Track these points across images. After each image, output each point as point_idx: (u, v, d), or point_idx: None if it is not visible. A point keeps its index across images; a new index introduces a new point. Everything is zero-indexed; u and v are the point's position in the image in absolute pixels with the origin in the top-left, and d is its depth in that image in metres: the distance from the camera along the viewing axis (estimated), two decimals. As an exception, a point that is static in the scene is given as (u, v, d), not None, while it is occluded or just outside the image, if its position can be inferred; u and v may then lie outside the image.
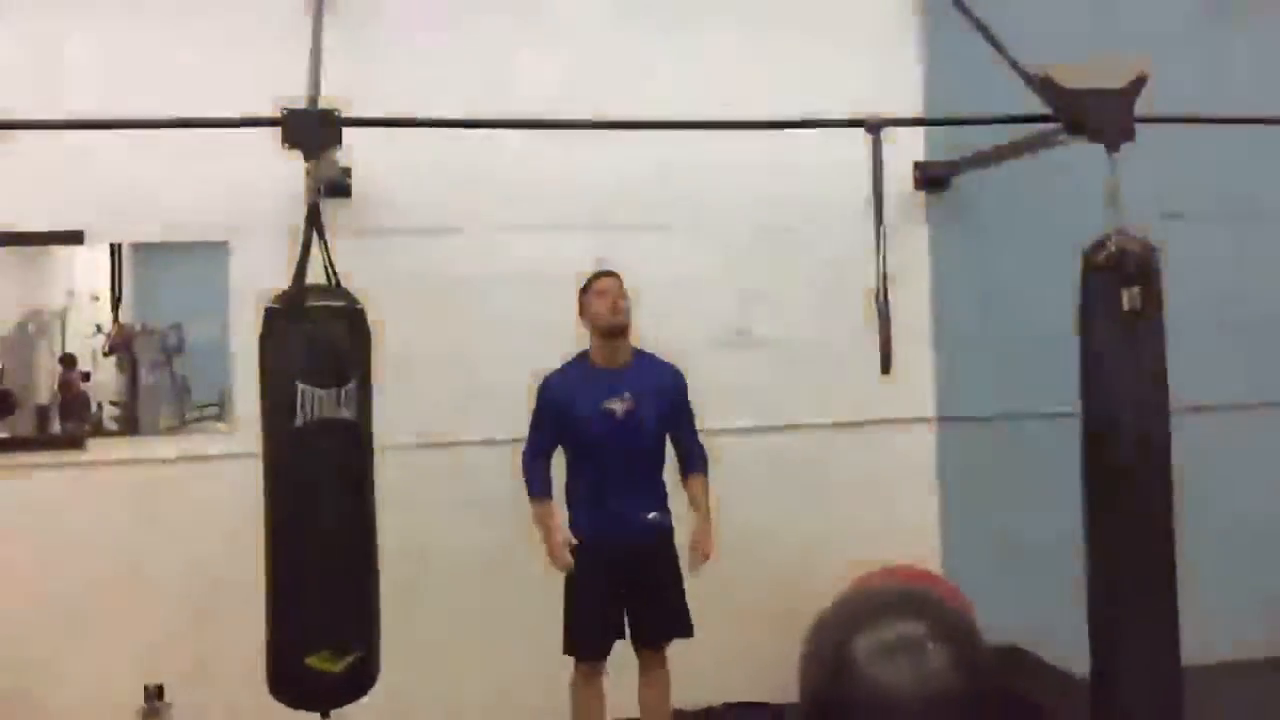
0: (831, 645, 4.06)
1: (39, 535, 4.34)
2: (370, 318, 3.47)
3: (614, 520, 3.75)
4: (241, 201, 4.38)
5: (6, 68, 4.29)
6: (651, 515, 3.80)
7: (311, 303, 3.32)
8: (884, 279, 3.81)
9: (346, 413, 3.29)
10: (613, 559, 3.74)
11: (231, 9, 4.46)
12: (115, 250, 4.53)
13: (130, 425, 4.64)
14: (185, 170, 4.34)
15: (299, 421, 3.24)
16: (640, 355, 3.88)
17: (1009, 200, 4.92)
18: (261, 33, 4.39)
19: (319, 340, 3.29)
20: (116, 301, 4.60)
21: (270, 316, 3.34)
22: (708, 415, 4.29)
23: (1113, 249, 3.82)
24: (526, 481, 3.80)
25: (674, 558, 3.85)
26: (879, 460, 4.89)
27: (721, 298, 4.74)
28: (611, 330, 3.79)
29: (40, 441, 4.51)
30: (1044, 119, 4.05)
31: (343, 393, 3.28)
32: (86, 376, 4.83)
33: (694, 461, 3.93)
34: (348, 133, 3.60)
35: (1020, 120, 4.12)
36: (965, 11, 4.43)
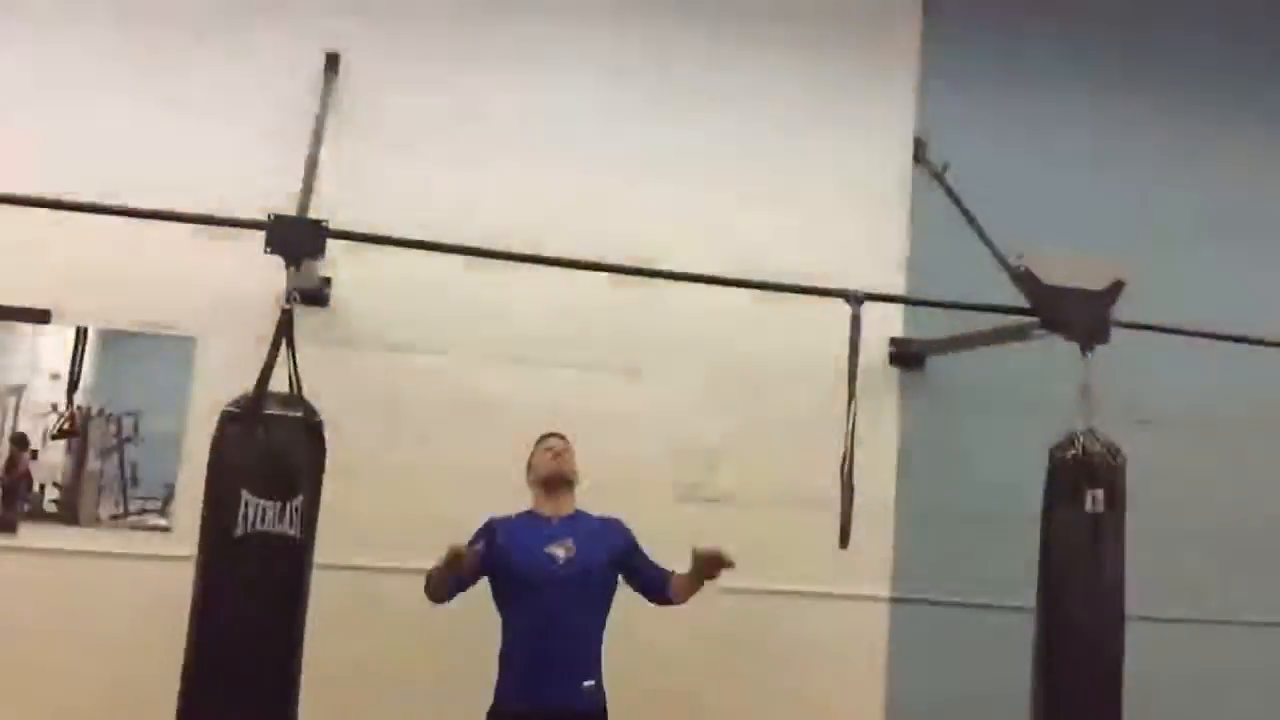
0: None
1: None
2: (330, 429, 3.41)
3: (547, 685, 3.51)
4: (216, 298, 4.36)
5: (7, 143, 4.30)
6: (588, 684, 3.56)
7: (270, 410, 3.26)
8: (851, 453, 3.80)
9: (290, 528, 3.20)
10: None
11: (232, 107, 4.51)
12: (80, 332, 4.48)
13: (70, 511, 4.51)
14: (163, 261, 4.31)
15: (239, 531, 3.15)
16: (583, 513, 3.80)
17: (982, 386, 4.95)
18: (257, 132, 4.43)
19: (271, 451, 3.22)
20: (74, 383, 4.52)
21: (225, 419, 3.28)
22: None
23: (1079, 449, 3.84)
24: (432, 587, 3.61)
25: None
26: (827, 634, 4.79)
27: (683, 446, 4.68)
28: (552, 479, 3.74)
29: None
30: (1022, 311, 4.10)
31: (289, 506, 3.20)
32: (35, 455, 4.73)
33: (665, 574, 3.75)
34: (333, 243, 3.61)
35: (1000, 310, 4.18)
36: (953, 198, 4.55)
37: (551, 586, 3.57)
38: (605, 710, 3.62)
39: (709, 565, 3.61)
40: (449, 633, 4.10)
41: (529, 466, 3.84)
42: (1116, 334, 4.02)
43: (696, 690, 4.58)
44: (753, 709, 4.61)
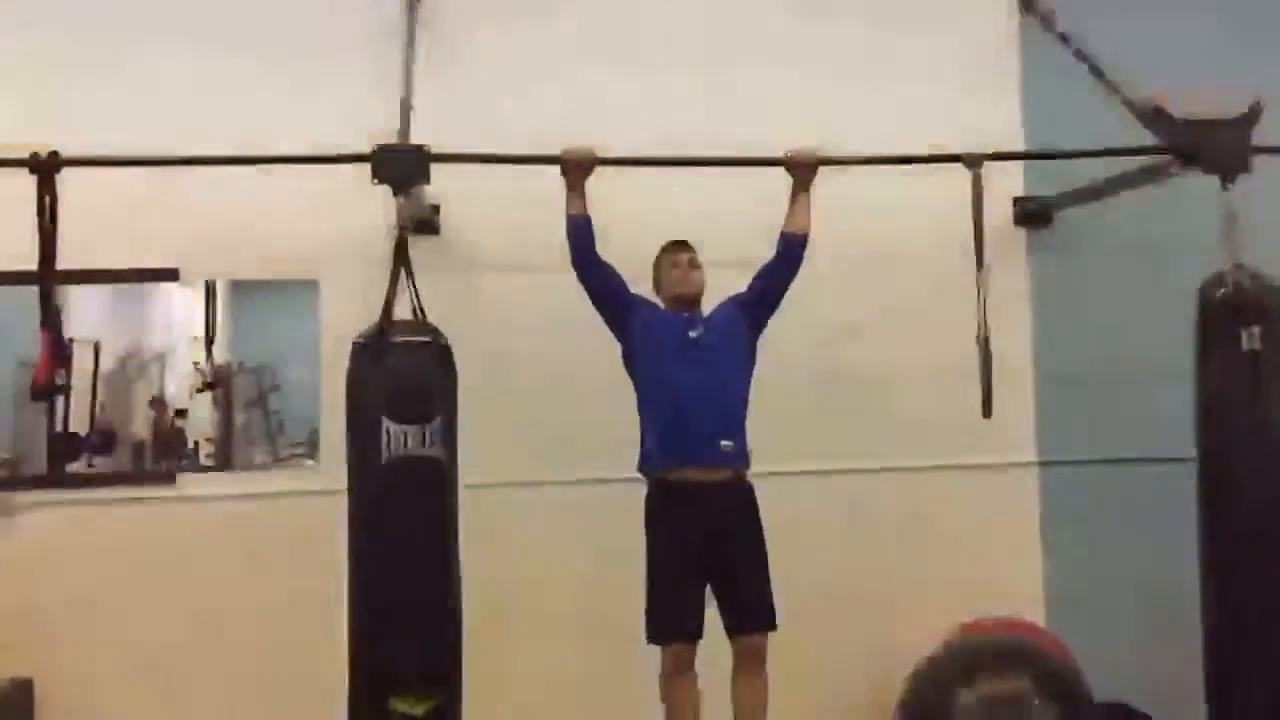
0: (931, 700, 3.92)
1: (133, 569, 4.37)
2: (457, 354, 3.44)
3: (687, 448, 3.62)
4: (331, 238, 4.41)
5: (104, 103, 4.39)
6: (726, 444, 3.64)
7: (398, 338, 3.30)
8: (985, 320, 3.69)
9: (432, 450, 3.26)
10: (691, 506, 3.59)
11: (323, 45, 4.52)
12: (210, 288, 4.60)
13: (224, 462, 4.68)
14: (276, 207, 4.38)
15: (384, 458, 3.21)
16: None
17: (1115, 236, 4.75)
18: (351, 69, 4.44)
19: (405, 377, 3.26)
20: (210, 340, 4.66)
21: (357, 353, 3.33)
22: (802, 456, 4.19)
23: (1231, 285, 3.65)
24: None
25: (756, 519, 3.69)
26: (978, 506, 4.71)
27: (815, 330, 4.62)
28: (684, 300, 3.80)
29: (134, 476, 4.57)
30: (1153, 150, 3.90)
31: (428, 430, 3.24)
32: (183, 414, 4.91)
33: (778, 241, 3.82)
34: (438, 171, 3.61)
35: (1127, 153, 3.99)
36: (1067, 42, 4.31)
37: (688, 360, 3.66)
38: (750, 485, 3.71)
39: (800, 163, 3.77)
40: (600, 549, 4.16)
41: (655, 280, 3.88)
42: (1258, 162, 3.79)
43: (855, 571, 4.57)
44: (911, 586, 4.57)
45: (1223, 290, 3.67)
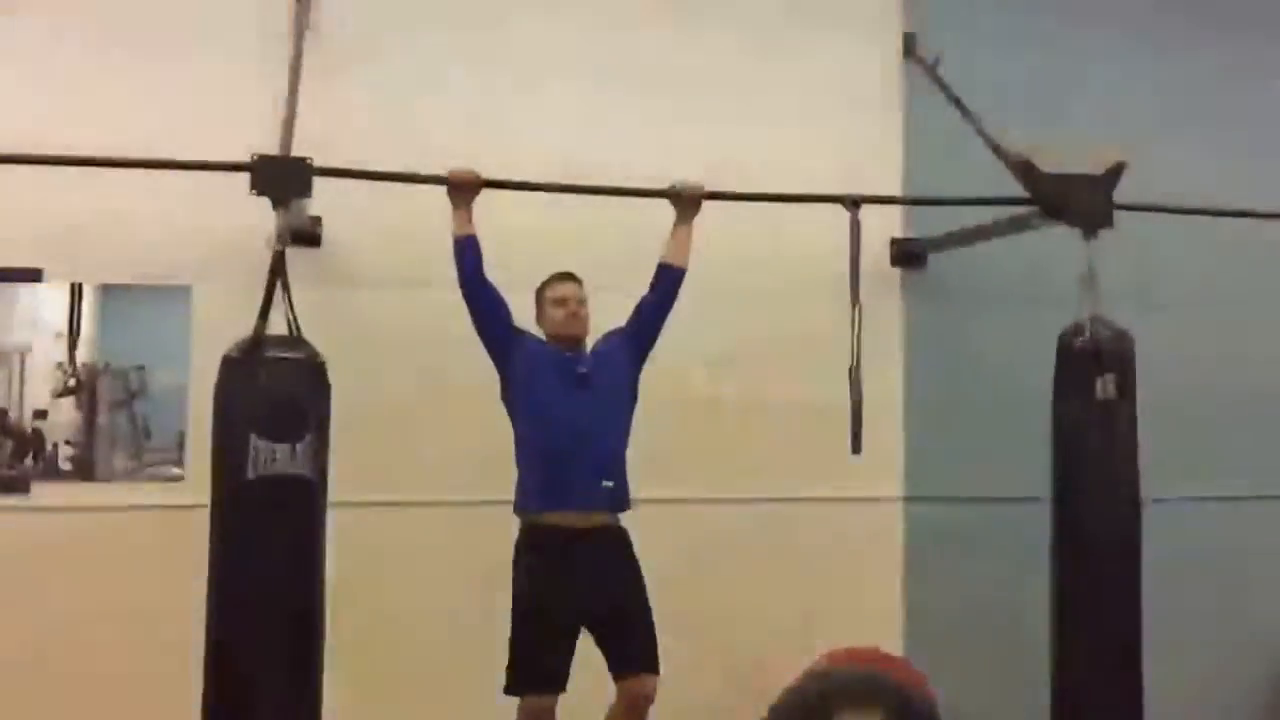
0: (791, 727, 3.97)
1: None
2: (331, 370, 3.40)
3: (568, 491, 3.56)
4: (207, 246, 4.32)
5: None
6: (607, 483, 3.60)
7: (270, 353, 3.25)
8: (858, 358, 3.78)
9: (300, 468, 3.21)
10: (567, 558, 3.53)
11: (208, 51, 4.42)
12: (75, 289, 4.45)
13: (85, 467, 4.53)
14: (151, 211, 4.26)
15: (251, 474, 3.16)
16: (594, 350, 3.83)
17: (986, 280, 4.91)
18: (236, 77, 4.35)
19: (276, 392, 3.22)
20: (74, 340, 4.51)
21: (228, 365, 3.27)
22: (669, 484, 4.23)
23: (1088, 335, 3.82)
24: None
25: (635, 564, 3.67)
26: (843, 538, 4.81)
27: (687, 360, 4.66)
28: (568, 340, 3.75)
29: (-14, 483, 4.39)
30: (1022, 201, 4.05)
31: (297, 448, 3.20)
32: (42, 415, 4.74)
33: (657, 271, 3.84)
34: (320, 182, 3.56)
35: (999, 202, 4.13)
36: (944, 89, 4.47)
37: (571, 397, 3.63)
38: (628, 508, 3.68)
39: (685, 196, 3.80)
40: (468, 571, 4.14)
41: (538, 312, 3.80)
42: (1120, 218, 3.97)
43: (715, 602, 4.61)
44: (773, 616, 4.65)
45: (1080, 339, 3.84)
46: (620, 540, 3.68)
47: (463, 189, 3.65)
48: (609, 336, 3.84)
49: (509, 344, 3.68)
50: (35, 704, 4.17)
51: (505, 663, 3.54)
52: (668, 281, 3.82)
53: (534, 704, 3.51)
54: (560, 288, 3.78)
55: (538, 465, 3.62)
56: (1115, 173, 3.95)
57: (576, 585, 3.53)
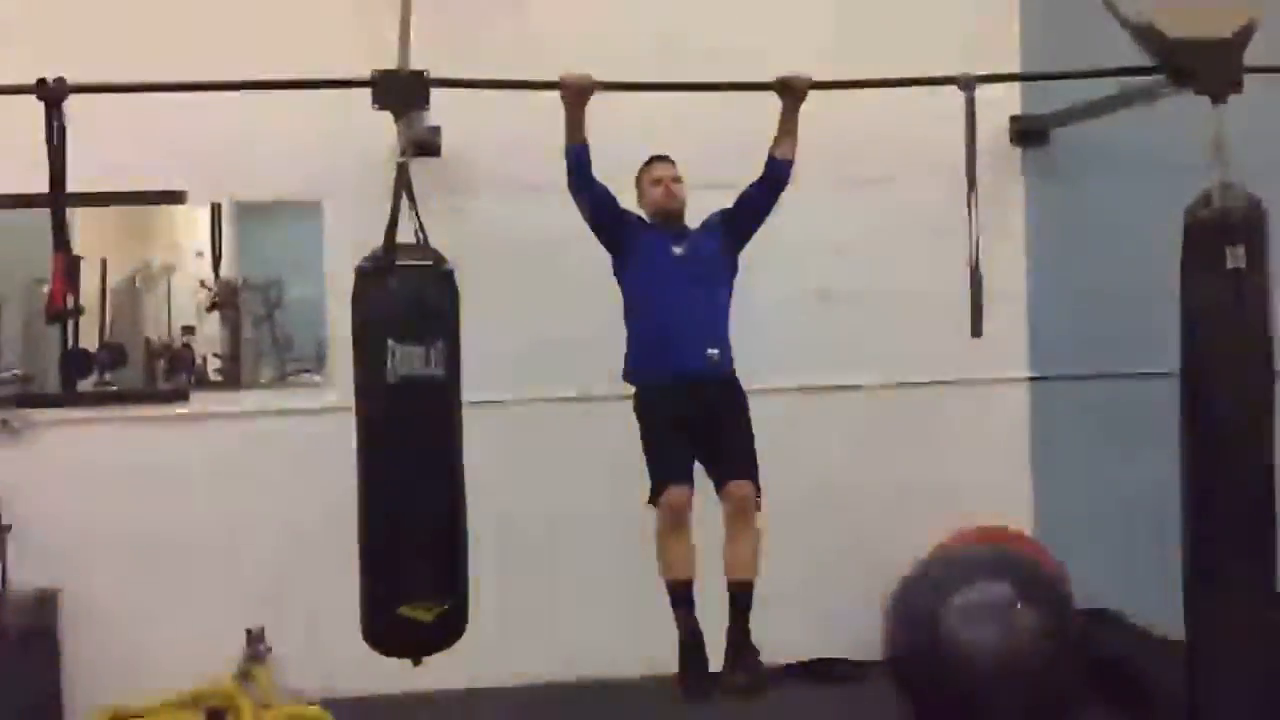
0: (920, 605, 4.05)
1: (144, 484, 4.52)
2: (459, 276, 3.52)
3: (667, 356, 3.75)
4: (335, 161, 4.48)
5: (109, 30, 4.43)
6: (712, 352, 3.77)
7: (401, 262, 3.37)
8: (976, 241, 3.75)
9: (436, 370, 3.34)
10: (677, 397, 3.72)
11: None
12: (215, 209, 4.66)
13: (233, 378, 4.78)
14: (279, 130, 4.44)
15: (390, 378, 3.30)
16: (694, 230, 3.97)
17: (1109, 155, 4.79)
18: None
19: (408, 299, 3.34)
20: (217, 259, 4.72)
21: (361, 275, 3.40)
22: (795, 372, 4.27)
23: (1217, 205, 3.71)
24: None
25: (742, 401, 3.82)
26: (971, 420, 4.83)
27: (810, 252, 4.69)
28: (666, 214, 3.91)
29: (146, 394, 4.68)
30: (1146, 71, 3.92)
31: (432, 350, 3.33)
32: (190, 330, 4.99)
33: (766, 162, 3.90)
34: (439, 94, 3.64)
35: (1120, 73, 4.01)
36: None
37: (672, 272, 3.80)
38: (733, 373, 3.83)
39: (793, 87, 3.80)
40: (600, 462, 4.28)
41: (638, 194, 3.98)
42: (1250, 82, 3.81)
43: (850, 482, 4.73)
44: (906, 498, 4.73)
45: (1208, 209, 3.73)
46: (729, 384, 3.83)
47: (576, 92, 3.70)
48: (710, 218, 3.98)
49: (618, 228, 3.88)
50: (196, 595, 4.52)
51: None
52: (776, 171, 3.90)
53: (668, 498, 3.66)
54: (655, 169, 3.95)
55: (642, 337, 3.84)
56: (1245, 34, 3.78)
57: (686, 412, 3.72)
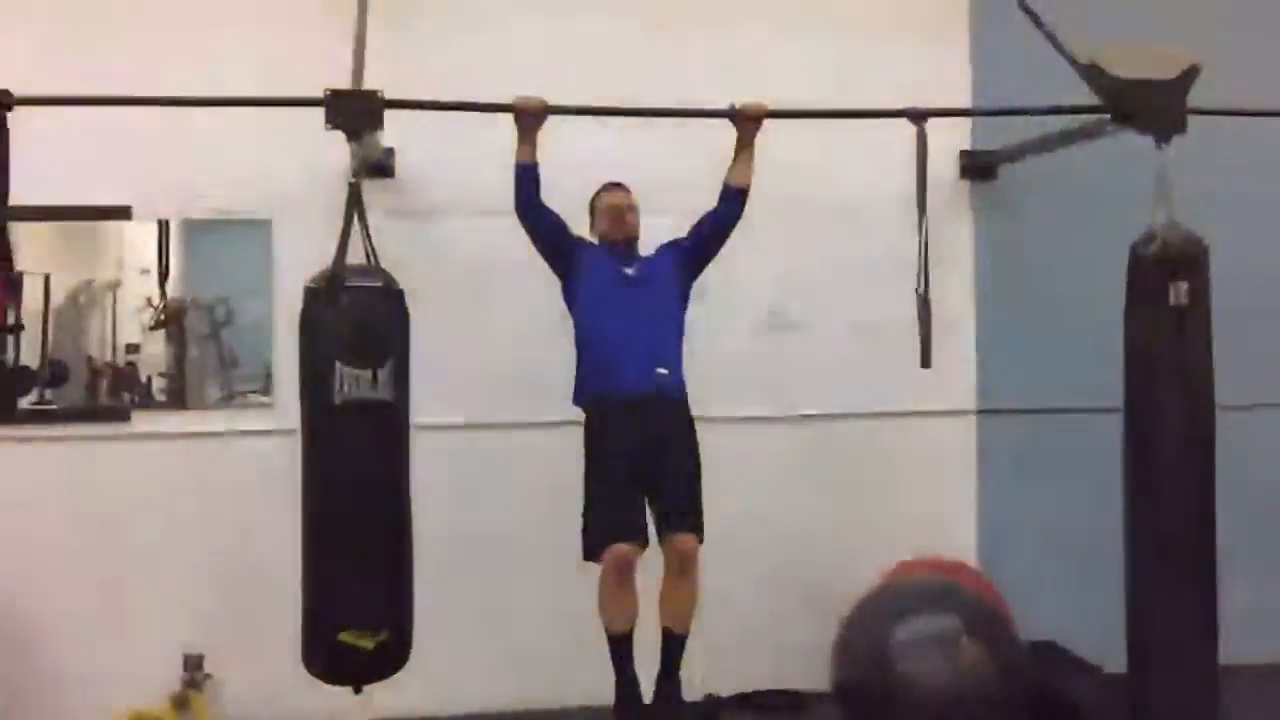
0: (866, 636, 4.04)
1: (84, 504, 4.43)
2: (409, 298, 3.49)
3: (618, 374, 3.76)
4: (286, 180, 4.44)
5: (57, 43, 4.37)
6: (662, 370, 3.80)
7: (351, 283, 3.34)
8: (925, 271, 3.79)
9: (383, 393, 3.32)
10: (628, 420, 3.71)
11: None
12: (163, 225, 4.59)
13: (177, 398, 4.70)
14: (231, 148, 4.40)
15: (337, 400, 3.27)
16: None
17: (1056, 191, 4.85)
18: (307, 15, 4.42)
19: (357, 321, 3.32)
20: (163, 276, 4.66)
21: (310, 296, 3.37)
22: (743, 402, 4.28)
23: (1160, 242, 3.77)
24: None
25: (690, 430, 3.83)
26: (918, 452, 4.85)
27: (760, 283, 4.71)
28: (617, 240, 3.96)
29: (88, 413, 4.59)
30: (1093, 109, 3.99)
31: (380, 373, 3.30)
32: (134, 348, 4.91)
33: (722, 192, 3.94)
34: (393, 114, 3.63)
35: (1068, 111, 4.07)
36: (1016, -1, 4.37)
37: (622, 294, 3.83)
38: (684, 397, 3.85)
39: (747, 116, 3.84)
40: (549, 488, 4.24)
41: (592, 221, 4.03)
42: (1193, 123, 3.89)
43: (798, 514, 4.71)
44: (853, 529, 4.72)
45: (1152, 246, 3.79)
46: (678, 409, 3.83)
47: (529, 116, 3.71)
48: (664, 246, 4.02)
49: (569, 254, 3.90)
50: (134, 619, 4.43)
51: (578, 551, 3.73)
52: (732, 200, 3.94)
53: (615, 554, 3.64)
54: (608, 196, 4.01)
55: (590, 354, 3.85)
56: (1189, 76, 3.86)
57: (633, 445, 3.71)
